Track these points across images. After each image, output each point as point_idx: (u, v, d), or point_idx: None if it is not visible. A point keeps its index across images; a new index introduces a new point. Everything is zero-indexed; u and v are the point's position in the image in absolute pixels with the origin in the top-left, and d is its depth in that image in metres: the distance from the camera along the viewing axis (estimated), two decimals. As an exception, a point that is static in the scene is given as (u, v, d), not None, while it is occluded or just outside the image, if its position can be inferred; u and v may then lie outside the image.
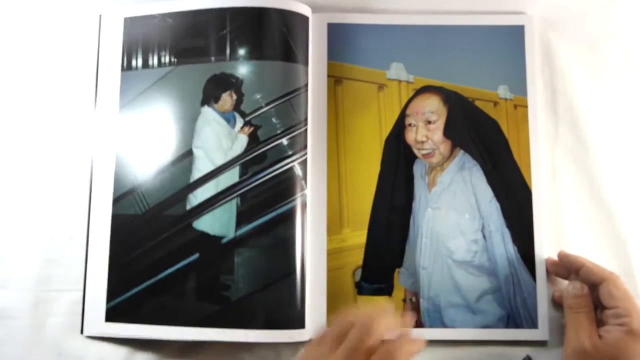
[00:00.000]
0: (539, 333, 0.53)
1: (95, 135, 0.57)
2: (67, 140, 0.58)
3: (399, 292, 0.55)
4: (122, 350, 0.54)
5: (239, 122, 0.56)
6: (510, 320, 0.53)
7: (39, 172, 0.57)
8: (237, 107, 0.56)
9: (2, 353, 0.54)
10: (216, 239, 0.54)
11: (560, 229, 0.56)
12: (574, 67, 0.58)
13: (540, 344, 0.53)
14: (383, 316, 0.44)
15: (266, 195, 0.54)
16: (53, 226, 0.56)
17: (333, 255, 0.55)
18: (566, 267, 0.53)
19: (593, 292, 0.50)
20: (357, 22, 0.58)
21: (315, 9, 0.58)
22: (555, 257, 0.54)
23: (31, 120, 0.58)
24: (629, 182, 0.56)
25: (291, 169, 0.54)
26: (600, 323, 0.49)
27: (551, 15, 0.59)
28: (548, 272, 0.54)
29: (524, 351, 0.53)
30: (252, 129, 0.55)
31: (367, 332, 0.42)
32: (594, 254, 0.53)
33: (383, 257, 0.55)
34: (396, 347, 0.42)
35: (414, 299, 0.55)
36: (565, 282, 0.53)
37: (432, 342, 0.53)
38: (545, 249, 0.54)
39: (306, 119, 0.55)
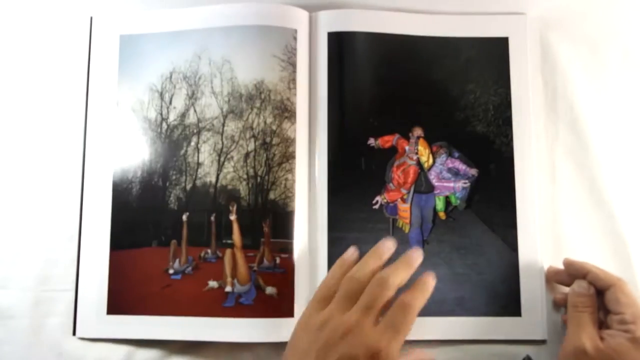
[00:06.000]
0: (539, 332, 0.53)
1: (90, 135, 0.57)
2: (66, 139, 0.57)
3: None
4: (122, 350, 0.54)
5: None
6: None
7: (37, 172, 0.57)
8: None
9: (2, 353, 0.54)
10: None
11: (559, 229, 0.56)
12: (574, 67, 0.58)
13: (540, 343, 0.53)
14: (397, 268, 0.43)
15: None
16: (53, 226, 0.56)
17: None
18: (571, 275, 0.52)
19: (599, 296, 0.49)
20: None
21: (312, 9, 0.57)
22: (555, 262, 0.54)
23: (28, 121, 0.58)
24: (629, 182, 0.56)
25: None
26: (603, 326, 0.49)
27: (551, 16, 0.59)
28: (550, 281, 0.54)
29: (524, 350, 0.53)
30: None
31: (385, 287, 0.42)
32: (594, 254, 0.54)
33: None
34: (412, 298, 0.42)
35: None
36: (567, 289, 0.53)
37: (432, 342, 0.53)
38: (545, 249, 0.55)
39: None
